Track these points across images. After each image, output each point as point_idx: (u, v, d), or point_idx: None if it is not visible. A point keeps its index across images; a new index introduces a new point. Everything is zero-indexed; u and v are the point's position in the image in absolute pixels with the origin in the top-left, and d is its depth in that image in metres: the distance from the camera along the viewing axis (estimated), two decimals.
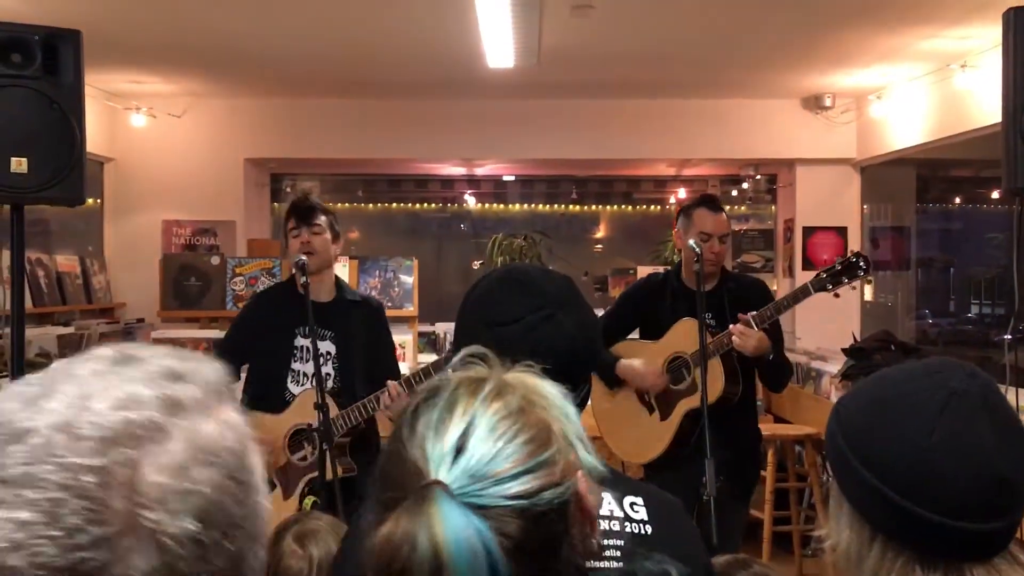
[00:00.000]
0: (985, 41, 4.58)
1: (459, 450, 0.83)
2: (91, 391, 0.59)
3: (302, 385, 3.30)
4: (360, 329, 3.27)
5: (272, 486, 3.24)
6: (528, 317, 1.30)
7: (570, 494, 0.85)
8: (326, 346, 3.29)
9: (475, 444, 0.83)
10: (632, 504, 1.27)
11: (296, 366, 3.32)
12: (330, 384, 3.25)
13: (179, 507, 0.56)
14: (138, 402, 0.59)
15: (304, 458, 3.23)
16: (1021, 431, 1.09)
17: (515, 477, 0.82)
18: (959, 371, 1.10)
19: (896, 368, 1.18)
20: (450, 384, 0.89)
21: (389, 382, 3.14)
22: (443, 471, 0.82)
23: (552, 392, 0.91)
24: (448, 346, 3.45)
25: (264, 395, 3.26)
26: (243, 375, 3.36)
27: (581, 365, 1.34)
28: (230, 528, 0.58)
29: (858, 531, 1.10)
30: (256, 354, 3.32)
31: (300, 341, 3.31)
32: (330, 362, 3.28)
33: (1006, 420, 1.08)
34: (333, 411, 3.15)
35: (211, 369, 0.64)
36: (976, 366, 1.14)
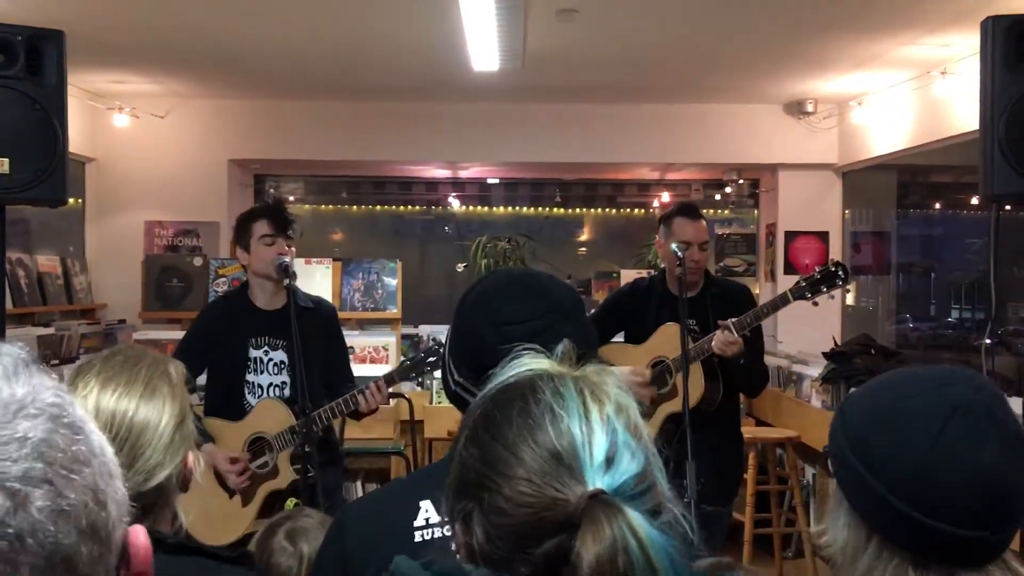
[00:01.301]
0: (964, 48, 4.63)
1: (610, 461, 0.82)
2: None
3: (259, 397, 3.26)
4: (313, 335, 3.19)
5: (231, 494, 3.21)
6: (536, 320, 1.29)
7: (666, 519, 0.84)
8: (278, 355, 3.25)
9: (622, 456, 0.82)
10: None
11: (251, 377, 3.27)
12: (285, 392, 3.23)
13: (15, 454, 0.59)
14: None
15: (264, 466, 3.19)
16: (1023, 440, 1.11)
17: (644, 494, 0.82)
18: (966, 381, 1.12)
19: (904, 372, 1.19)
20: (569, 382, 0.87)
21: (371, 382, 3.14)
22: (599, 480, 0.81)
23: (637, 404, 0.90)
24: (432, 347, 3.43)
25: (223, 406, 3.24)
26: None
27: None
28: (74, 464, 0.61)
29: (855, 530, 1.12)
30: (212, 364, 3.29)
31: (253, 352, 3.26)
32: (284, 371, 3.24)
33: (1010, 432, 1.09)
34: (290, 420, 3.13)
35: (11, 347, 0.67)
36: (984, 376, 1.15)
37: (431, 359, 3.22)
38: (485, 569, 0.85)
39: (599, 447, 0.82)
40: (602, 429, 0.83)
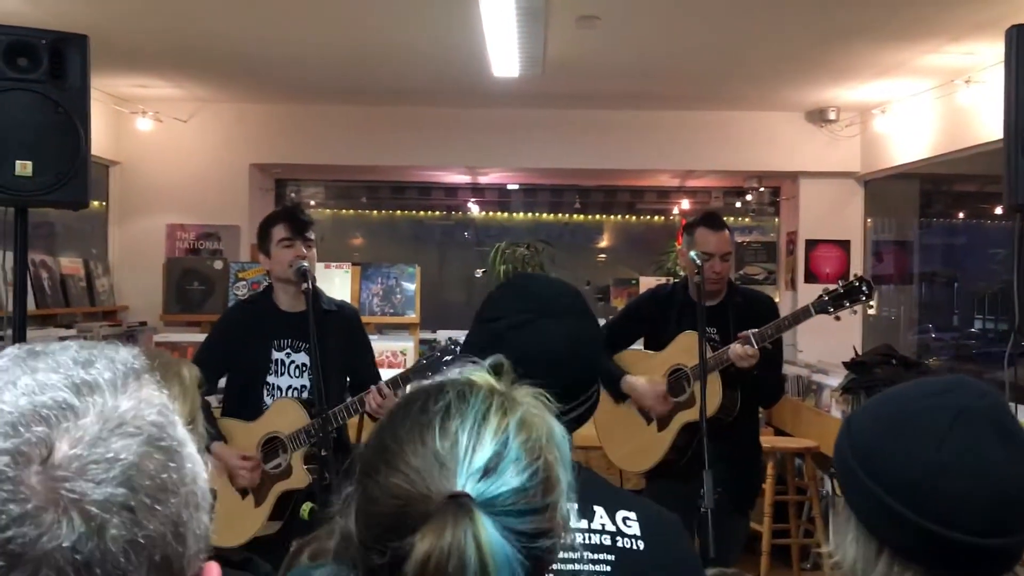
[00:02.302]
0: (989, 57, 4.59)
1: (489, 470, 0.82)
2: None
3: (276, 399, 3.27)
4: (335, 338, 3.21)
5: (243, 494, 3.22)
6: (514, 316, 1.34)
7: (551, 545, 0.84)
8: (300, 358, 3.27)
9: (505, 468, 0.82)
10: (625, 519, 1.25)
11: (271, 379, 3.28)
12: (305, 395, 3.24)
13: (101, 475, 0.56)
14: (45, 387, 0.59)
15: (278, 466, 3.20)
16: None
17: (525, 514, 0.82)
18: (970, 388, 1.11)
19: (907, 384, 1.18)
20: (480, 392, 0.88)
21: (377, 384, 3.14)
22: (469, 485, 0.81)
23: (557, 431, 0.90)
24: (448, 346, 3.44)
25: (241, 408, 3.25)
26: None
27: (567, 377, 1.30)
28: (160, 493, 0.59)
29: (864, 545, 1.11)
30: (233, 367, 3.30)
31: (276, 354, 3.28)
32: (305, 374, 3.26)
33: (1016, 439, 1.08)
34: (305, 420, 3.14)
35: (126, 353, 0.64)
36: (988, 384, 1.14)
37: (447, 358, 3.22)
38: (332, 567, 0.86)
39: (481, 455, 0.82)
40: (492, 440, 0.83)
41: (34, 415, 0.57)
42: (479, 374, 0.91)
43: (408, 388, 5.36)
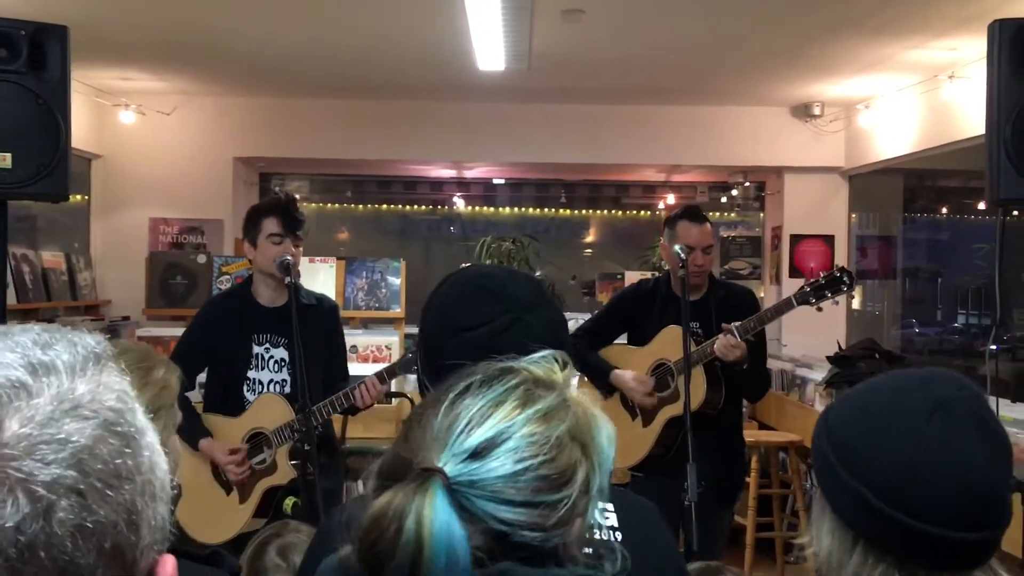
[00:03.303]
0: (973, 52, 4.61)
1: (478, 453, 0.82)
2: None
3: (258, 393, 3.24)
4: (314, 333, 3.18)
5: (228, 490, 3.20)
6: (496, 320, 1.28)
7: (556, 544, 0.84)
8: (279, 353, 3.25)
9: (497, 455, 0.82)
10: (603, 510, 1.24)
11: (252, 374, 3.25)
12: (286, 390, 3.22)
13: (50, 456, 0.55)
14: (1, 365, 0.58)
15: (262, 462, 3.18)
16: (1007, 444, 1.10)
17: (511, 504, 0.82)
18: (948, 381, 1.11)
19: (885, 376, 1.18)
20: (512, 379, 0.88)
21: (367, 377, 3.14)
22: (451, 464, 0.82)
23: (603, 437, 0.89)
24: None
25: (222, 402, 3.23)
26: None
27: None
28: (113, 479, 0.57)
29: (840, 537, 1.11)
30: (212, 361, 3.27)
31: (255, 349, 3.26)
32: (284, 368, 3.24)
33: (993, 432, 1.08)
34: (289, 415, 3.13)
35: (89, 338, 0.63)
36: (966, 377, 1.14)
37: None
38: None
39: (476, 438, 0.83)
40: (494, 425, 0.84)
41: None
42: (541, 367, 0.91)
43: (409, 389, 5.38)
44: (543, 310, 1.32)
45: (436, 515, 0.79)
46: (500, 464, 0.82)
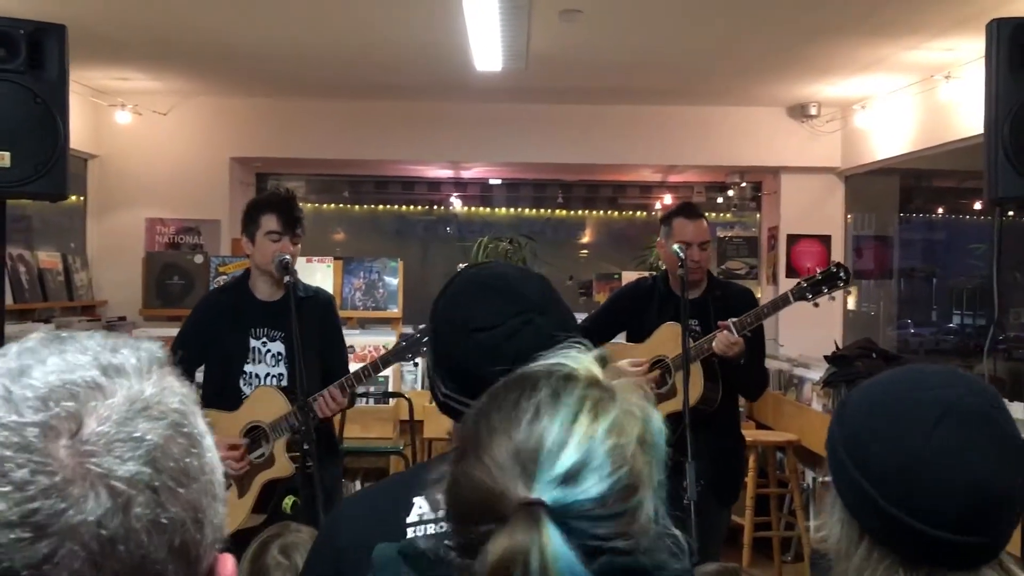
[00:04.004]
0: (969, 52, 4.62)
1: (570, 477, 0.82)
2: (27, 364, 0.60)
3: (254, 387, 3.24)
4: (310, 325, 3.17)
5: (227, 485, 3.19)
6: (509, 322, 1.27)
7: (627, 546, 0.85)
8: (276, 347, 3.24)
9: (587, 476, 0.83)
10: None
11: (248, 368, 3.25)
12: (283, 384, 3.22)
13: (127, 454, 0.57)
14: (74, 367, 0.60)
15: (260, 456, 3.18)
16: (1020, 447, 1.09)
17: (602, 519, 0.82)
18: (963, 382, 1.10)
19: (907, 369, 1.18)
20: (576, 388, 0.88)
21: (329, 388, 3.11)
22: (547, 492, 0.82)
23: (657, 430, 0.90)
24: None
25: (219, 397, 3.21)
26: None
27: None
28: (182, 477, 0.59)
29: (848, 529, 1.11)
30: (210, 355, 3.27)
31: (253, 342, 3.26)
32: (281, 362, 3.24)
33: (1005, 435, 1.08)
34: (287, 408, 3.12)
35: (149, 344, 0.65)
36: (982, 378, 1.13)
37: (426, 339, 3.19)
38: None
39: (564, 461, 0.83)
40: (577, 445, 0.84)
41: (64, 391, 0.58)
42: (583, 364, 0.91)
43: (407, 389, 5.37)
44: (554, 311, 1.32)
45: (556, 549, 0.80)
46: (592, 485, 0.83)
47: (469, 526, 0.84)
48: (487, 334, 1.27)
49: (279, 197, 3.33)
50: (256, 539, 2.03)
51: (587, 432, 0.84)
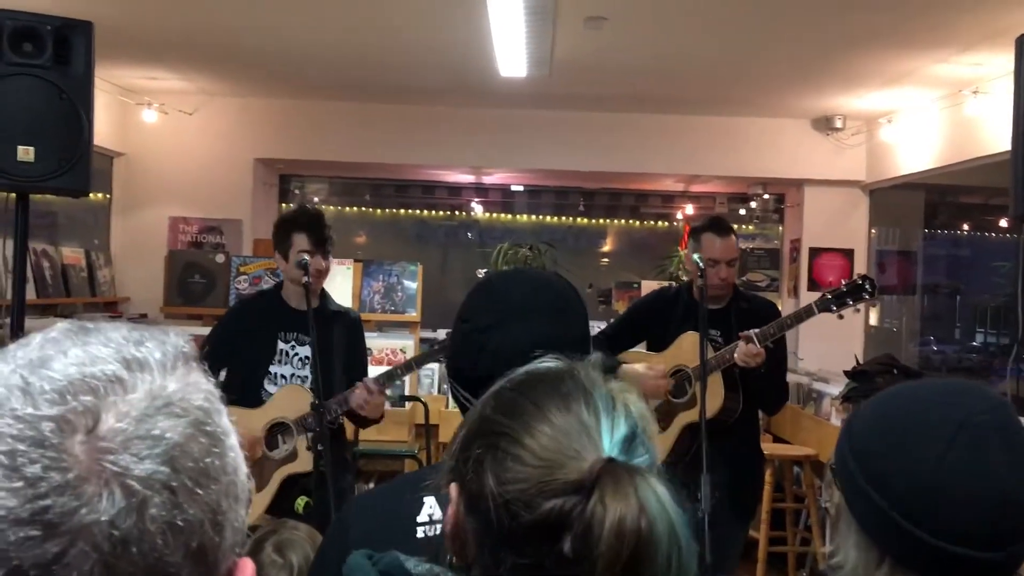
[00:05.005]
0: (997, 67, 4.57)
1: (627, 443, 0.84)
2: (48, 354, 0.58)
3: (279, 387, 3.31)
4: (338, 338, 3.29)
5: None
6: (477, 319, 1.36)
7: None
8: (305, 351, 3.32)
9: (636, 447, 0.85)
10: None
11: (274, 368, 3.34)
12: (308, 386, 3.26)
13: (145, 452, 0.55)
14: (96, 359, 0.58)
15: (283, 451, 3.24)
16: None
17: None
18: (976, 395, 1.08)
19: (912, 386, 1.15)
20: (598, 379, 0.89)
21: (364, 379, 3.19)
22: (617, 453, 0.83)
23: (652, 432, 0.93)
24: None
25: (240, 394, 3.25)
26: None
27: None
28: (202, 478, 0.57)
29: (865, 552, 1.08)
30: (236, 359, 3.32)
31: (281, 345, 3.34)
32: (307, 366, 3.29)
33: (1022, 448, 1.06)
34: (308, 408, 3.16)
35: (176, 337, 0.63)
36: (995, 391, 1.11)
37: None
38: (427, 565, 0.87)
39: (621, 429, 0.84)
40: (625, 418, 0.85)
41: (83, 385, 0.57)
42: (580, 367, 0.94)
43: (423, 393, 5.37)
44: (534, 319, 1.33)
45: (666, 493, 0.80)
46: (641, 455, 0.84)
47: (540, 498, 0.79)
48: (464, 325, 1.38)
49: (308, 215, 3.41)
50: (251, 536, 2.03)
51: (627, 411, 0.86)
